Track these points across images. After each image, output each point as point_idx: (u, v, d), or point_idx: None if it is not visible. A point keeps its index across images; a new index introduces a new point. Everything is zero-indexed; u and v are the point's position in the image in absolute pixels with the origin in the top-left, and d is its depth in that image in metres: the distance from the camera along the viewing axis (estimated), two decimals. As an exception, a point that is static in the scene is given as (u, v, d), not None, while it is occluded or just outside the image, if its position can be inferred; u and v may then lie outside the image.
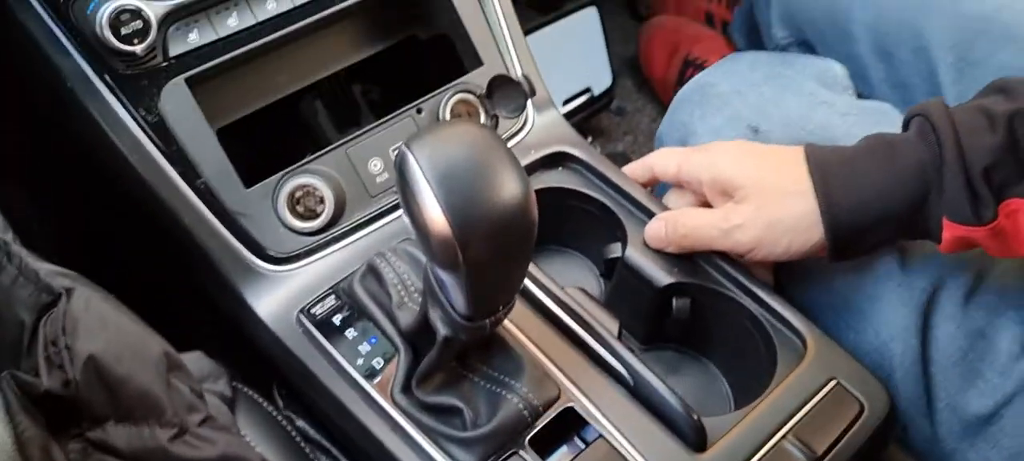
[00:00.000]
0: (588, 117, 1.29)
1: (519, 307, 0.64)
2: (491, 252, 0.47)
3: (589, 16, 1.23)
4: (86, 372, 0.53)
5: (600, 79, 1.27)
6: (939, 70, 0.76)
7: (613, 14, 1.50)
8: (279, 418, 0.69)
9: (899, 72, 0.81)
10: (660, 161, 0.71)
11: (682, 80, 1.29)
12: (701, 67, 1.25)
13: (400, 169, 0.47)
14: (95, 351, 0.54)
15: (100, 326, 0.55)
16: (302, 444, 0.69)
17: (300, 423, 0.70)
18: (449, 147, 0.47)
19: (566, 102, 1.24)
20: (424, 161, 0.46)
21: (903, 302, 0.66)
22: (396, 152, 0.71)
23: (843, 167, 0.62)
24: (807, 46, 0.93)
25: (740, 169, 0.65)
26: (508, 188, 0.46)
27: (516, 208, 0.47)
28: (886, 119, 0.79)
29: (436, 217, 0.46)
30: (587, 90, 1.26)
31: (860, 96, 0.85)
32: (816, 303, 0.69)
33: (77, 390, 0.53)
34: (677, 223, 0.67)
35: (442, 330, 0.55)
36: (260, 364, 0.70)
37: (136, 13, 0.62)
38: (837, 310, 0.69)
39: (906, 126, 0.63)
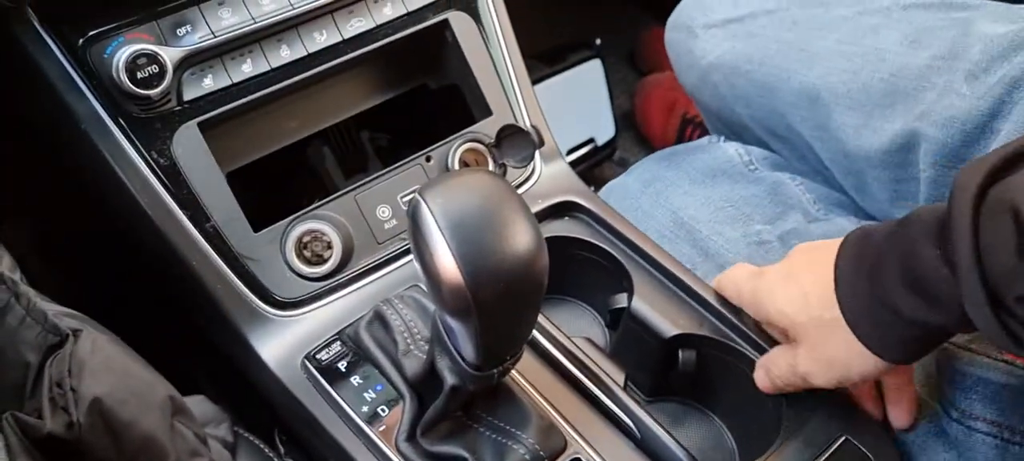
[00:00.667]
0: (591, 167, 1.31)
1: (525, 357, 0.64)
2: (502, 302, 0.47)
3: (593, 68, 1.25)
4: (90, 415, 0.53)
5: (604, 130, 1.29)
6: (806, 136, 0.81)
7: (616, 68, 1.52)
8: (277, 472, 0.68)
9: (788, 143, 0.86)
10: (728, 289, 0.68)
11: (682, 138, 1.30)
12: (701, 125, 1.26)
13: (413, 217, 0.48)
14: (100, 394, 0.53)
15: (106, 369, 0.55)
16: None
17: (302, 471, 0.70)
18: (462, 196, 0.47)
19: (570, 152, 1.25)
20: (437, 210, 0.46)
21: None
22: (408, 199, 0.72)
23: (873, 292, 0.54)
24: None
25: (779, 311, 0.61)
26: (520, 239, 0.47)
27: (528, 259, 0.47)
28: (777, 194, 0.81)
29: (448, 266, 0.46)
30: (591, 141, 1.27)
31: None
32: None
33: (80, 433, 0.53)
34: (772, 374, 0.63)
35: (449, 379, 0.55)
36: (262, 409, 0.69)
37: (153, 58, 0.63)
38: None
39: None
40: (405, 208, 0.72)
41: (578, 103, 1.26)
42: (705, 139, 0.91)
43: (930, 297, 0.51)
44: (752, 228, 0.78)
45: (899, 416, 0.62)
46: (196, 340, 0.72)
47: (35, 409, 0.54)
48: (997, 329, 0.47)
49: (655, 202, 0.82)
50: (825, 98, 0.77)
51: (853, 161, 0.77)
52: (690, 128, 1.27)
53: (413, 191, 0.70)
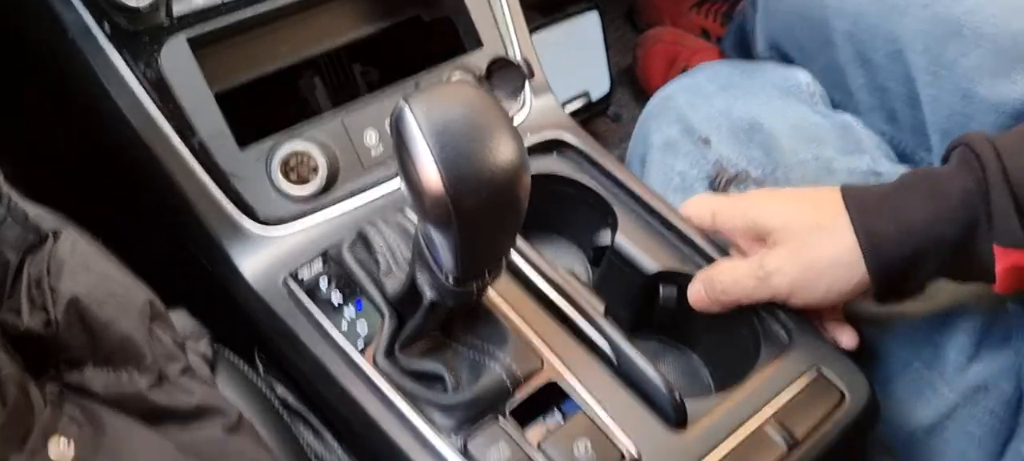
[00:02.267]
0: (584, 122, 1.30)
1: (506, 282, 0.64)
2: (482, 211, 0.47)
3: (590, 20, 1.24)
4: (68, 314, 0.53)
5: (598, 84, 1.29)
6: (914, 73, 0.76)
7: (613, 24, 1.52)
8: (259, 383, 0.68)
9: (876, 77, 0.81)
10: (695, 212, 0.69)
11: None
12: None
13: (397, 124, 0.48)
14: (78, 293, 0.53)
15: (85, 270, 0.55)
16: (281, 411, 0.68)
17: (280, 390, 0.70)
18: (447, 105, 0.47)
19: (563, 105, 1.24)
20: (421, 117, 0.46)
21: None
22: (392, 116, 0.71)
23: (882, 201, 0.59)
24: (788, 59, 0.94)
25: (772, 213, 0.63)
26: (503, 149, 0.47)
27: (510, 169, 0.47)
28: (849, 133, 0.80)
29: (430, 172, 0.46)
30: (585, 94, 1.27)
31: (836, 106, 0.86)
32: None
33: (57, 331, 0.53)
34: (714, 281, 0.64)
35: (429, 294, 0.55)
36: (242, 328, 0.69)
37: (142, -33, 0.62)
38: None
39: (946, 159, 0.61)
40: (391, 134, 0.72)
41: (573, 55, 1.24)
42: (767, 63, 0.89)
43: (949, 205, 0.55)
44: (825, 152, 0.76)
45: (849, 338, 0.64)
46: (178, 258, 0.72)
47: (13, 308, 0.55)
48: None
49: (732, 104, 0.80)
50: (967, 34, 0.72)
51: (974, 107, 0.72)
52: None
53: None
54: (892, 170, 0.77)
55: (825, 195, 0.61)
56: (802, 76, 0.86)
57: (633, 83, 1.44)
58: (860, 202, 0.59)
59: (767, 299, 0.63)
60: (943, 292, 0.65)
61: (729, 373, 0.67)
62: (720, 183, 0.79)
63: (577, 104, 1.27)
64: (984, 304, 0.65)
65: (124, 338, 0.54)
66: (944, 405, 0.65)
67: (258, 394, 0.67)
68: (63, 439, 0.50)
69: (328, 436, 0.69)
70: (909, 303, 0.64)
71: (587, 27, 1.25)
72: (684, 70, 1.31)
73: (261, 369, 0.71)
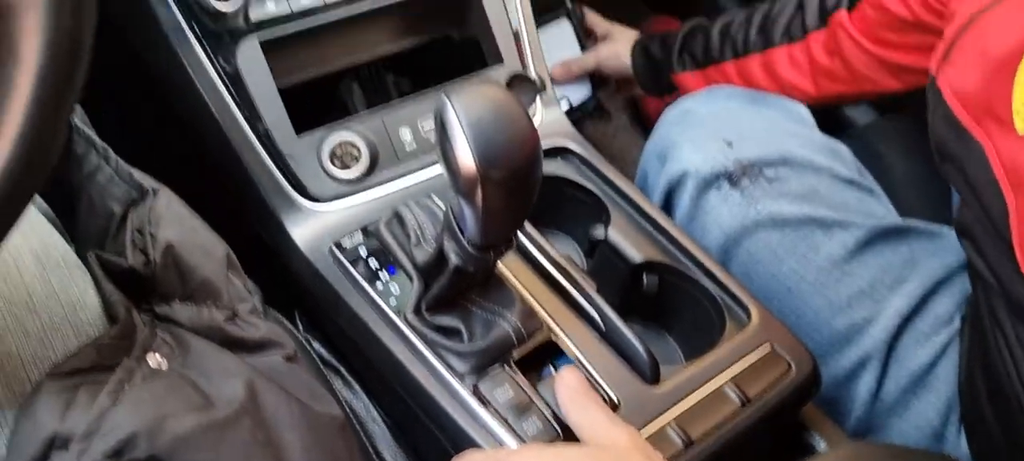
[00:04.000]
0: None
1: (515, 259, 0.77)
2: (504, 185, 0.60)
3: (562, 27, 1.29)
4: (164, 256, 0.65)
5: (577, 90, 1.33)
6: None
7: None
8: (300, 338, 0.81)
9: None
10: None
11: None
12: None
13: (440, 114, 0.60)
14: (173, 241, 0.66)
15: (178, 222, 0.68)
16: (318, 363, 0.81)
17: (317, 346, 0.82)
18: (481, 101, 0.60)
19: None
20: (461, 109, 0.59)
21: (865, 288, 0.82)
22: (426, 123, 0.85)
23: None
24: None
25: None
26: (523, 139, 0.59)
27: (528, 154, 0.59)
28: (838, 155, 0.94)
29: (465, 154, 0.59)
30: (564, 98, 1.31)
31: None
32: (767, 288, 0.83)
33: (155, 270, 0.65)
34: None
35: (454, 260, 0.67)
36: (287, 291, 0.82)
37: (229, -21, 0.75)
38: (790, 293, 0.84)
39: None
40: (423, 134, 0.85)
41: (549, 62, 1.27)
42: (769, 94, 1.05)
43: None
44: (831, 164, 0.93)
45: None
46: (235, 229, 0.85)
47: (116, 250, 0.67)
48: None
49: (753, 118, 0.97)
50: None
51: None
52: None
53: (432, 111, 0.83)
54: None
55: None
56: (803, 111, 1.01)
57: (633, 106, 1.57)
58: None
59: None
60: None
61: (699, 350, 0.79)
62: (738, 177, 0.92)
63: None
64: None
65: (206, 280, 0.67)
66: (936, 347, 0.81)
67: (301, 346, 0.80)
68: (157, 354, 0.62)
69: (357, 386, 0.81)
70: None
71: (560, 34, 1.30)
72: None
73: (301, 327, 0.84)
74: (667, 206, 0.94)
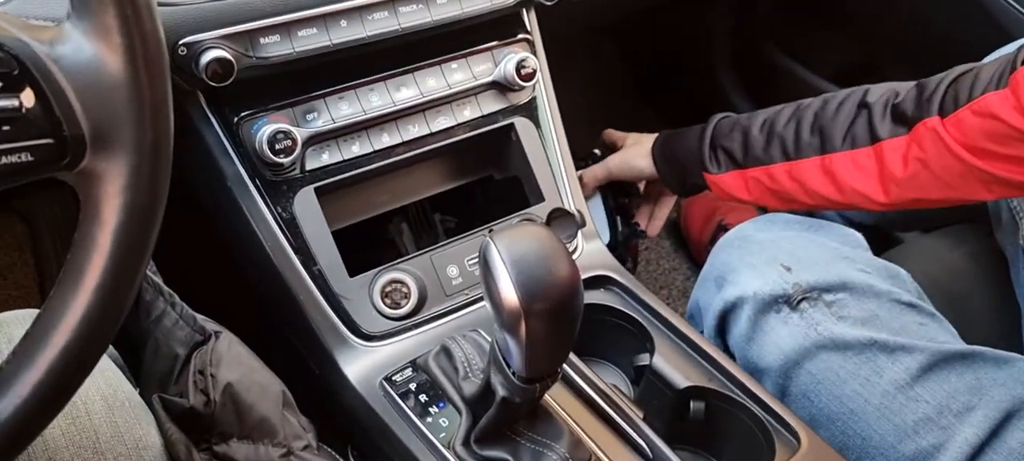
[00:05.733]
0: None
1: (563, 392, 0.78)
2: (546, 320, 0.62)
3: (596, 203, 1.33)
4: (224, 396, 0.69)
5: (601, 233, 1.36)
6: None
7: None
8: (352, 475, 0.82)
9: None
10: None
11: (713, 242, 1.46)
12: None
13: (484, 254, 0.63)
14: (232, 381, 0.69)
15: (237, 363, 0.71)
16: (369, 500, 0.82)
17: (368, 483, 0.83)
18: (522, 240, 0.63)
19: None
20: (503, 248, 0.62)
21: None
22: (472, 261, 0.88)
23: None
24: None
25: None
26: (564, 275, 0.62)
27: (568, 289, 0.62)
28: (898, 279, 0.94)
29: (508, 291, 0.61)
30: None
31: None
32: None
33: (214, 409, 0.68)
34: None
35: (501, 392, 0.69)
36: (340, 428, 0.84)
37: (287, 135, 0.81)
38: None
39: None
40: (469, 270, 0.88)
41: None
42: (824, 221, 1.06)
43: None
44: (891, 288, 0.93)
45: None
46: (289, 367, 0.88)
47: (178, 392, 0.71)
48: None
49: (806, 243, 0.98)
50: None
51: None
52: (721, 233, 1.43)
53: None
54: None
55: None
56: (858, 236, 1.01)
57: (674, 236, 1.60)
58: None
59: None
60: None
61: (749, 480, 0.79)
62: (797, 300, 0.91)
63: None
64: None
65: (263, 418, 0.69)
66: None
67: (352, 483, 0.81)
68: None
69: (407, 523, 0.82)
70: None
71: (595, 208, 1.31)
72: (719, 223, 1.48)
73: (353, 463, 0.85)
74: (721, 330, 0.94)
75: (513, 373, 0.67)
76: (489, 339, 0.78)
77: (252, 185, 0.83)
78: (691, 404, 0.81)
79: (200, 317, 0.73)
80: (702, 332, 0.95)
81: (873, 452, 0.80)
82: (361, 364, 0.81)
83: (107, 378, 0.70)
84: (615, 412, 0.76)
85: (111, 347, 0.76)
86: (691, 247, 1.54)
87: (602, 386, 0.78)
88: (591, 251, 0.93)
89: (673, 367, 0.83)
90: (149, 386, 0.72)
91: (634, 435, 0.74)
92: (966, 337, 0.91)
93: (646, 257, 1.57)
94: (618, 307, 0.89)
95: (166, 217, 0.53)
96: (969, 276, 1.04)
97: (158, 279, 0.77)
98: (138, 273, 0.48)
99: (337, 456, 0.82)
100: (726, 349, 0.93)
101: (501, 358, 0.68)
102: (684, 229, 1.55)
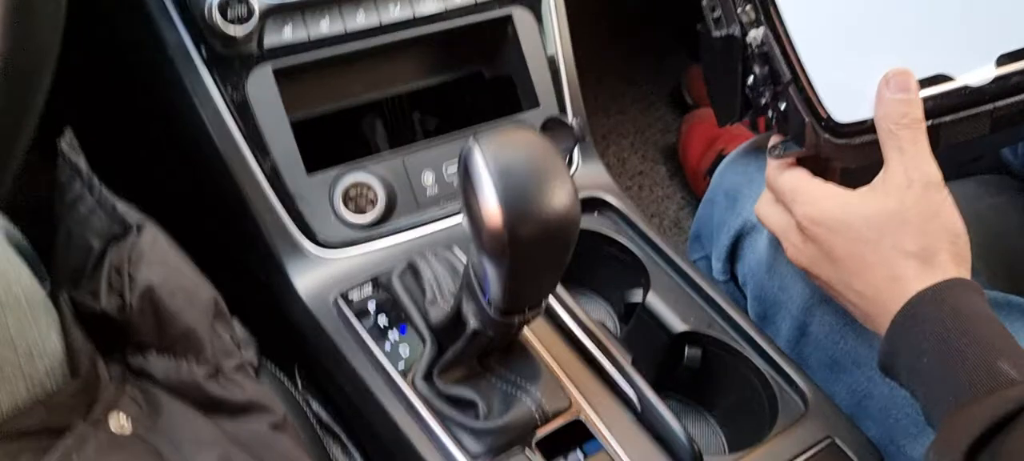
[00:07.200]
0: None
1: (543, 325, 0.68)
2: (534, 247, 0.52)
3: None
4: (142, 300, 0.58)
5: None
6: None
7: (656, 105, 1.58)
8: (297, 396, 0.72)
9: None
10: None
11: (711, 173, 1.35)
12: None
13: (465, 160, 0.52)
14: (154, 283, 0.58)
15: (161, 263, 0.60)
16: (315, 426, 0.72)
17: (315, 407, 0.74)
18: (512, 148, 0.52)
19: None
20: (489, 155, 0.51)
21: None
22: (451, 168, 0.77)
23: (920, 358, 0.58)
24: None
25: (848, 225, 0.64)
26: (559, 194, 0.51)
27: (563, 212, 0.51)
28: None
29: (492, 207, 0.51)
30: None
31: None
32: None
33: (130, 315, 0.58)
34: (783, 176, 0.67)
35: (472, 323, 0.59)
36: (284, 345, 0.74)
37: (243, 1, 0.69)
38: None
39: None
40: (447, 178, 0.77)
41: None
42: None
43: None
44: None
45: None
46: (232, 270, 0.77)
47: (91, 290, 0.60)
48: None
49: None
50: None
51: None
52: (723, 164, 1.32)
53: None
54: None
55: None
56: None
57: (669, 163, 1.49)
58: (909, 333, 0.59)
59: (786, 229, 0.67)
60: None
61: (743, 438, 0.70)
62: None
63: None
64: None
65: (188, 330, 0.59)
66: None
67: (296, 406, 0.71)
68: (123, 415, 0.54)
69: (357, 455, 0.72)
70: None
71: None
72: (720, 152, 1.37)
73: (300, 385, 0.75)
74: (733, 256, 0.83)
75: (489, 303, 0.57)
76: (464, 260, 0.68)
77: (198, 57, 0.70)
78: (686, 350, 0.72)
79: (121, 205, 0.61)
80: (707, 258, 0.84)
81: (901, 402, 0.71)
82: (314, 276, 0.71)
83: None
84: (602, 354, 0.66)
85: (18, 233, 0.64)
86: (687, 175, 1.44)
87: (589, 324, 0.68)
88: (587, 171, 0.82)
89: (669, 307, 0.73)
90: (60, 284, 0.61)
91: (621, 382, 0.64)
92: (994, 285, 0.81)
93: (639, 182, 1.47)
94: (612, 235, 0.79)
95: (95, 90, 0.41)
96: (1002, 221, 0.93)
97: (80, 159, 0.65)
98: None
99: (280, 375, 0.73)
100: (735, 279, 0.82)
101: (476, 284, 0.57)
102: (681, 153, 1.45)
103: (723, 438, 0.73)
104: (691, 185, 1.43)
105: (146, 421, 0.54)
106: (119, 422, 0.53)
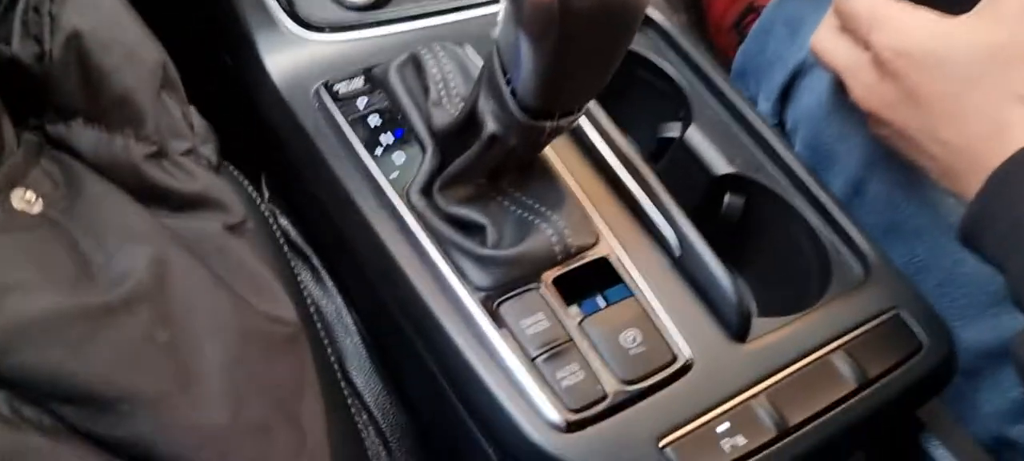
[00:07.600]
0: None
1: (567, 143, 0.56)
2: (592, 23, 0.39)
3: None
4: (66, 50, 0.44)
5: None
6: None
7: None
8: (262, 208, 0.60)
9: None
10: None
11: (738, 26, 1.22)
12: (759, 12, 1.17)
13: None
14: (82, 29, 0.45)
15: (94, 6, 0.46)
16: (282, 244, 0.60)
17: (283, 222, 0.62)
18: None
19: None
20: None
21: None
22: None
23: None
24: None
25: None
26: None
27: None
28: None
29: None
30: None
31: None
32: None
33: (50, 67, 0.45)
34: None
35: (491, 126, 0.47)
36: (251, 146, 0.61)
37: None
38: None
39: None
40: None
41: None
42: None
43: None
44: None
45: None
46: (191, 50, 0.63)
47: (3, 36, 0.46)
48: None
49: None
50: None
51: None
52: (751, 16, 1.19)
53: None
54: None
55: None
56: None
57: (690, 11, 1.35)
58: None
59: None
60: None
61: (779, 305, 0.60)
62: None
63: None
64: None
65: (125, 95, 0.46)
66: None
67: (260, 218, 0.60)
68: (30, 192, 0.42)
69: (329, 282, 0.61)
70: None
71: None
72: (749, 4, 1.23)
73: (266, 195, 0.63)
74: (786, 95, 0.71)
75: (516, 97, 0.44)
76: (478, 62, 0.55)
77: None
78: (726, 197, 0.61)
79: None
80: (753, 99, 0.72)
81: (962, 279, 0.61)
82: (292, 59, 0.57)
83: None
84: (637, 185, 0.55)
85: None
86: (709, 28, 1.30)
87: (625, 150, 0.56)
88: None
89: (712, 144, 0.62)
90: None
91: (659, 220, 0.53)
92: None
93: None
94: (650, 57, 0.66)
95: None
96: None
97: None
98: None
99: (243, 179, 0.60)
100: (781, 123, 0.70)
101: (500, 75, 0.45)
102: (705, 4, 1.30)
103: (753, 303, 0.63)
104: (713, 39, 1.30)
105: (61, 203, 0.42)
106: (24, 198, 0.41)
